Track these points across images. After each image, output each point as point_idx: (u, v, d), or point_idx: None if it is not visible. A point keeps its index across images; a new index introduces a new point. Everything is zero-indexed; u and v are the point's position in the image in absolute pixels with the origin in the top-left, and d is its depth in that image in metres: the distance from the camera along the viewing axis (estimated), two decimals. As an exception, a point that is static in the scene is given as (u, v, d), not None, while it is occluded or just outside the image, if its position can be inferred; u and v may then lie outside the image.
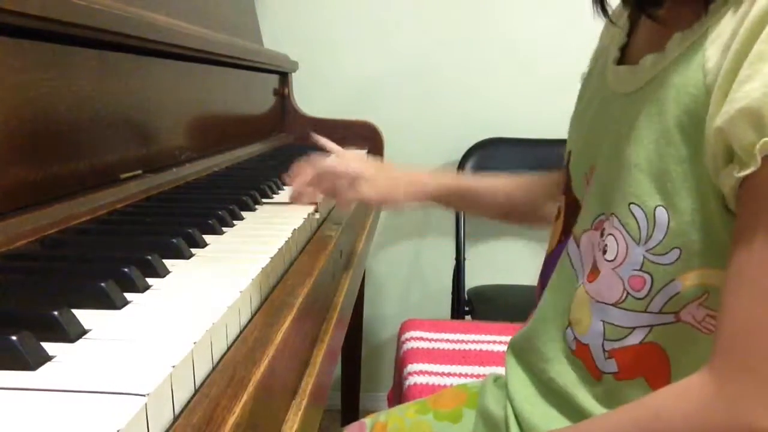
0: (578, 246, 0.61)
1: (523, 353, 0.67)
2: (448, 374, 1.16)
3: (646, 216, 0.52)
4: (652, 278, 0.53)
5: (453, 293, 1.74)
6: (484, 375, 1.13)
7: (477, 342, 1.27)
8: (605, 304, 0.56)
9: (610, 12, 0.61)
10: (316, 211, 0.86)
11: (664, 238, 0.51)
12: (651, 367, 0.54)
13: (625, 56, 0.60)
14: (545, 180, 0.83)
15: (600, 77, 0.62)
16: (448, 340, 1.28)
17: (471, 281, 1.74)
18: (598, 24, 0.59)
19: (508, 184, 0.86)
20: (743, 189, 0.45)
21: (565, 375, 0.60)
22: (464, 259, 1.73)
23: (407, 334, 1.30)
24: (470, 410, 0.76)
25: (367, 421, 0.83)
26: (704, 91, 0.47)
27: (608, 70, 0.60)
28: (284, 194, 0.97)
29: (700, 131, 0.47)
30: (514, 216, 0.88)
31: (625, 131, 0.54)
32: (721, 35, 0.47)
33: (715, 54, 0.47)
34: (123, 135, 0.84)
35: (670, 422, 0.46)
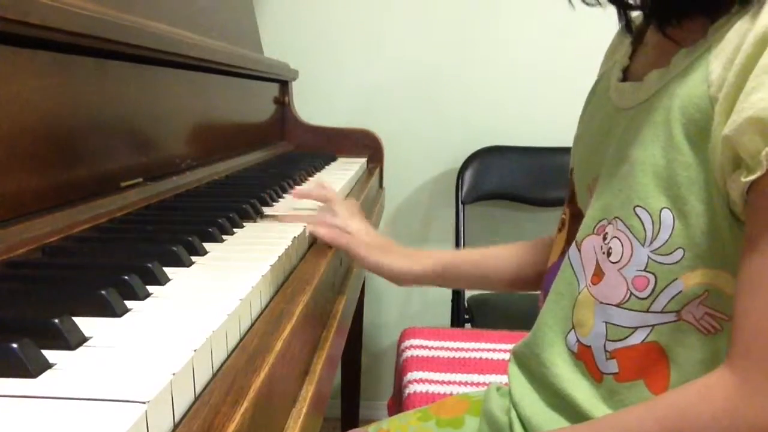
0: (579, 251, 0.61)
1: (525, 359, 0.67)
2: (448, 382, 1.16)
3: (651, 218, 0.54)
4: (656, 278, 0.54)
5: (453, 301, 1.73)
6: (484, 383, 1.13)
7: (477, 350, 1.27)
8: (609, 305, 0.57)
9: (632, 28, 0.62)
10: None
11: (669, 238, 0.53)
12: (650, 367, 0.55)
13: (627, 77, 0.63)
14: (537, 245, 0.82)
15: (603, 97, 0.65)
16: (448, 348, 1.28)
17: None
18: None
19: (511, 249, 0.84)
20: (752, 194, 0.47)
21: (566, 378, 0.60)
22: (464, 267, 1.73)
23: (407, 342, 1.30)
24: (472, 417, 0.76)
25: (370, 429, 0.83)
26: (708, 101, 0.49)
27: (611, 89, 0.62)
28: (284, 203, 0.97)
29: (706, 139, 0.50)
30: (521, 282, 0.84)
31: (630, 139, 0.56)
32: (724, 50, 0.49)
33: (718, 67, 0.49)
34: (123, 143, 0.84)
35: (698, 422, 0.47)
